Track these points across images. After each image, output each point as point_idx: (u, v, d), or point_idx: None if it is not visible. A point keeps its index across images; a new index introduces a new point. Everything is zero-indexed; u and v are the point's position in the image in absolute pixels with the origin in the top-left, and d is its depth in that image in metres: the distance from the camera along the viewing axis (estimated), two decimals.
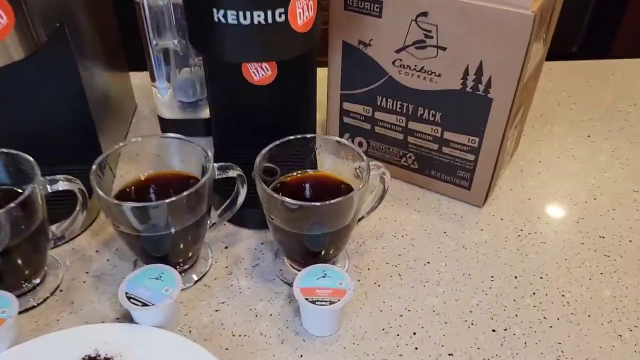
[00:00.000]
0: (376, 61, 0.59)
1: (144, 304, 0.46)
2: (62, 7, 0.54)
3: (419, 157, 0.63)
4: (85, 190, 0.51)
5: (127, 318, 0.50)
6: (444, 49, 0.54)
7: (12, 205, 0.44)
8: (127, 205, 0.46)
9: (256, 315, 0.51)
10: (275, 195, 0.46)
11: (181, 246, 0.51)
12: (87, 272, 0.54)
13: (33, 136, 0.57)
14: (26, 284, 0.51)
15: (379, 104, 0.62)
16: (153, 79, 0.72)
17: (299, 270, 0.53)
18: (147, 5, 0.61)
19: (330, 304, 0.46)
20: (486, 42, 0.52)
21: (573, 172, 0.69)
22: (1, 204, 0.44)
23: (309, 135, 0.54)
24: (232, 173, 0.52)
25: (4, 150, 0.49)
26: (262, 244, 0.58)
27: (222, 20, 0.45)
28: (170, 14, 0.61)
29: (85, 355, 0.45)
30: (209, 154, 0.50)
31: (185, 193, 0.46)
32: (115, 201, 0.46)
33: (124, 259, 0.56)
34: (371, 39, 0.58)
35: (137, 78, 0.81)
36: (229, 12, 0.44)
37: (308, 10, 0.47)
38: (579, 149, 0.73)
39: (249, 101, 0.63)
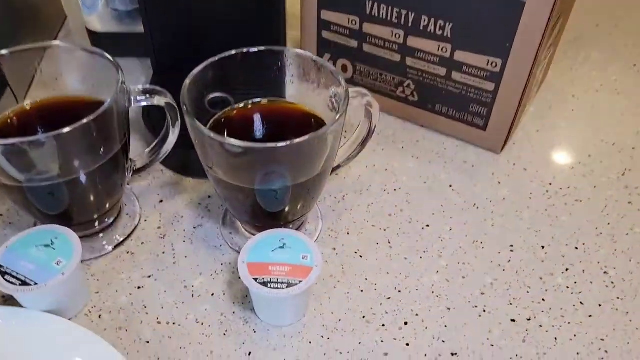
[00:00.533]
0: None
1: (24, 283, 0.32)
2: None
3: (420, 85, 0.48)
4: None
5: (13, 298, 0.36)
6: None
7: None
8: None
9: (192, 295, 0.37)
10: (211, 134, 0.31)
11: (88, 199, 0.37)
12: None
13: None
14: None
15: (368, 11, 0.46)
16: None
17: (252, 234, 0.40)
18: None
19: (287, 286, 0.33)
20: None
21: (616, 110, 0.54)
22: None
23: (274, 48, 0.39)
24: (158, 101, 0.37)
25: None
26: (209, 197, 0.44)
27: None
28: None
29: None
30: (120, 68, 0.35)
31: (79, 123, 0.31)
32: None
33: (18, 217, 0.42)
34: None
35: None
36: None
37: None
38: (623, 81, 0.57)
39: (199, 11, 0.47)
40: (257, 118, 0.39)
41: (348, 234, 0.42)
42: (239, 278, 0.37)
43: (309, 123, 0.38)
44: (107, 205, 0.39)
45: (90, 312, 0.36)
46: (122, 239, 0.40)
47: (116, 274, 0.39)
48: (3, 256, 0.33)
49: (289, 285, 0.33)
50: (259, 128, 0.39)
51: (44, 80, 0.39)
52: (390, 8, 0.45)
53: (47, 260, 0.33)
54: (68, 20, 0.63)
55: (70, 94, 0.39)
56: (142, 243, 0.41)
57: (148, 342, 0.35)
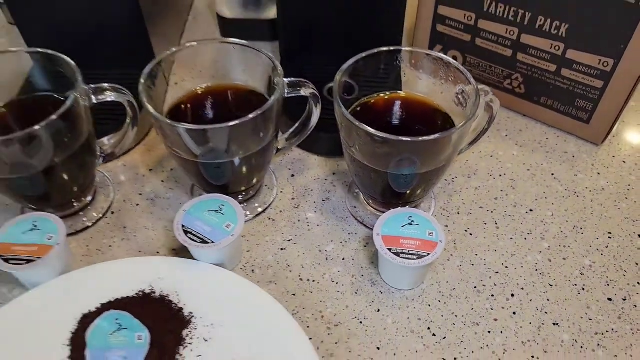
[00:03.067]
0: None
1: (203, 241, 0.40)
2: None
3: (528, 79, 0.52)
4: (135, 103, 0.44)
5: (185, 250, 0.44)
6: None
7: (53, 117, 0.38)
8: (183, 127, 0.38)
9: (327, 258, 0.44)
10: (359, 124, 0.37)
11: (244, 174, 0.44)
12: (141, 194, 0.49)
13: (76, 36, 0.50)
14: (76, 203, 0.47)
15: (485, 9, 0.50)
16: None
17: (376, 209, 0.46)
18: None
19: (418, 258, 0.39)
20: None
21: None
22: (41, 113, 0.38)
23: (405, 48, 0.44)
24: (304, 92, 0.43)
25: (40, 50, 0.42)
26: (333, 174, 0.51)
27: None
28: None
29: (140, 291, 0.40)
30: (279, 67, 0.41)
31: (251, 116, 0.38)
32: (169, 121, 0.38)
33: (180, 182, 0.50)
34: None
35: None
36: None
37: None
38: None
39: (327, 3, 0.52)
40: (393, 109, 0.44)
41: (458, 213, 0.47)
42: (365, 246, 0.43)
43: (437, 117, 0.43)
44: (256, 180, 0.46)
45: (244, 266, 0.44)
46: (265, 207, 0.48)
47: (262, 236, 0.46)
48: (184, 218, 0.41)
49: (419, 257, 0.39)
50: (395, 118, 0.44)
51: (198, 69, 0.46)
52: (507, 7, 0.48)
53: (219, 224, 0.41)
54: (195, 4, 0.70)
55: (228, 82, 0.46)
56: (281, 211, 0.48)
57: (294, 295, 0.42)
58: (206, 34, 0.66)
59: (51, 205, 0.45)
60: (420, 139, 0.36)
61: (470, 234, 0.46)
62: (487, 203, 0.48)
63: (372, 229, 0.41)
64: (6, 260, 0.39)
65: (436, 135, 0.37)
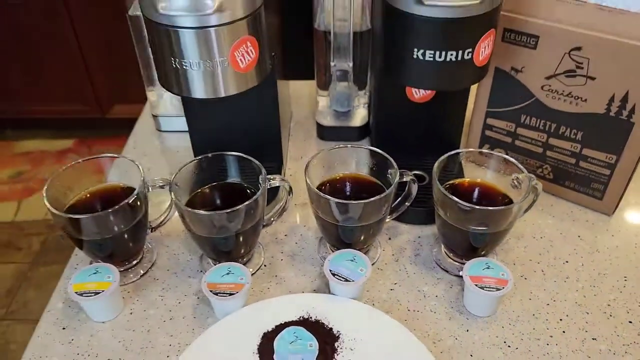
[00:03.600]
0: (525, 85, 0.68)
1: (346, 280, 0.58)
2: (275, 40, 0.67)
3: (555, 169, 0.72)
4: (291, 186, 0.64)
5: (321, 290, 0.62)
6: (593, 78, 0.63)
7: (250, 201, 0.57)
8: (334, 200, 0.58)
9: (424, 296, 0.62)
10: (452, 197, 0.57)
11: (367, 236, 0.63)
12: (282, 252, 0.68)
13: (237, 142, 0.71)
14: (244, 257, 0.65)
15: (522, 121, 0.71)
16: (321, 89, 0.84)
17: (456, 261, 0.64)
18: (334, 33, 0.73)
19: (496, 290, 0.56)
20: (636, 76, 0.60)
21: None
22: (233, 198, 0.58)
23: (482, 150, 0.65)
24: (405, 178, 0.63)
25: (233, 153, 0.63)
26: (419, 237, 0.69)
27: (420, 57, 0.56)
28: (351, 42, 0.73)
29: (300, 316, 0.58)
30: (394, 164, 0.61)
31: (379, 196, 0.58)
32: (325, 195, 0.58)
33: (308, 242, 0.69)
34: (523, 67, 0.68)
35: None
36: (427, 52, 0.55)
37: (487, 49, 0.57)
38: None
39: (407, 115, 0.74)
40: (472, 189, 0.64)
41: (514, 264, 0.65)
42: (450, 287, 0.61)
43: (498, 196, 0.63)
44: (371, 240, 0.65)
45: (366, 301, 0.61)
46: (374, 261, 0.66)
47: (375, 281, 0.64)
48: (330, 264, 0.59)
49: (497, 289, 0.56)
50: (473, 196, 0.64)
51: None
52: (538, 120, 0.70)
53: (354, 268, 0.59)
54: (294, 115, 0.93)
55: None
56: (385, 264, 0.66)
57: (406, 321, 0.59)
58: (305, 136, 0.87)
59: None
60: (497, 208, 0.56)
61: (525, 278, 0.64)
62: (534, 257, 0.66)
63: (454, 275, 0.60)
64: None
65: (506, 207, 0.56)
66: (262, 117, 0.70)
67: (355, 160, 0.67)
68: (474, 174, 0.66)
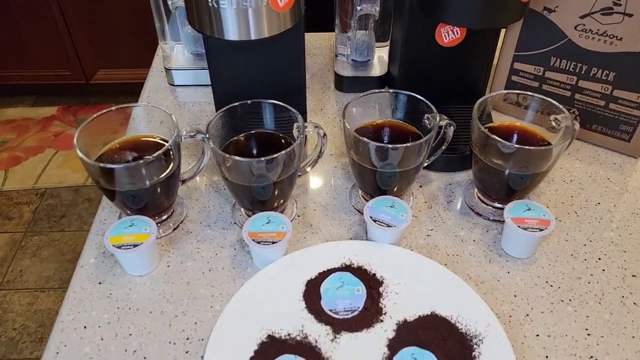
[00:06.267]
0: (558, 25, 0.67)
1: (388, 225, 0.57)
2: None
3: (583, 112, 0.72)
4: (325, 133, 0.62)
5: (359, 238, 0.62)
6: (630, 15, 0.62)
7: (290, 149, 0.56)
8: (373, 144, 0.57)
9: (462, 240, 0.62)
10: (498, 139, 0.56)
11: (404, 182, 0.62)
12: (314, 202, 0.66)
13: (261, 91, 0.69)
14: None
15: (551, 64, 0.70)
16: (341, 37, 0.82)
17: (491, 205, 0.64)
18: None
19: (539, 231, 0.56)
20: None
21: None
22: (267, 146, 0.56)
23: (523, 92, 0.64)
24: (442, 122, 0.62)
25: (270, 101, 0.60)
26: (449, 184, 0.69)
27: None
28: None
29: (343, 263, 0.57)
30: (434, 109, 0.60)
31: (421, 140, 0.57)
32: (365, 139, 0.56)
33: (338, 192, 0.68)
34: (557, 6, 0.66)
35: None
36: None
37: None
38: None
39: (435, 61, 0.72)
40: (512, 133, 0.63)
41: (547, 207, 0.65)
42: (486, 231, 0.61)
43: (538, 139, 0.62)
44: (408, 186, 0.64)
45: (405, 246, 0.61)
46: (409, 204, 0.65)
47: (411, 227, 0.63)
48: (370, 210, 0.59)
49: (540, 230, 0.56)
50: (511, 138, 0.63)
51: None
52: (569, 62, 0.69)
53: (395, 214, 0.58)
54: (309, 66, 0.90)
55: None
56: (419, 210, 0.65)
57: (446, 265, 0.59)
58: (323, 88, 0.85)
59: None
60: (540, 148, 0.55)
61: (560, 220, 0.64)
62: (566, 200, 0.66)
63: (488, 219, 0.60)
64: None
65: (548, 147, 0.56)
66: (288, 65, 0.68)
67: (390, 106, 0.65)
68: (501, 119, 0.66)
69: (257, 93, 0.64)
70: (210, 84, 0.71)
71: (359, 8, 0.73)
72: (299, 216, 0.65)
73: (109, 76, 2.20)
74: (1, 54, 2.11)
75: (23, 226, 1.79)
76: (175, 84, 0.84)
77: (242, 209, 0.64)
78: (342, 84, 0.84)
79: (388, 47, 0.81)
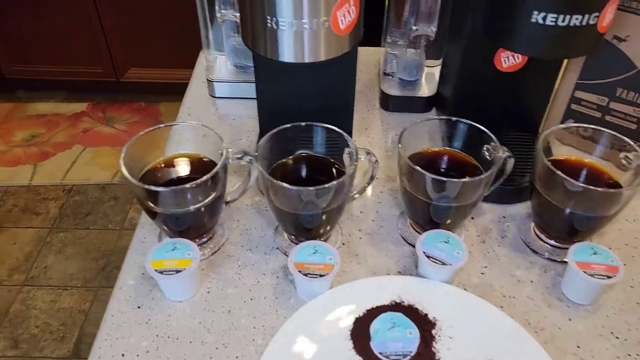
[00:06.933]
0: (627, 55, 0.63)
1: (443, 263, 0.54)
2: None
3: None
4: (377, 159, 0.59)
5: (407, 272, 0.58)
6: None
7: (344, 177, 0.53)
8: (430, 176, 0.53)
9: (518, 281, 0.58)
10: (564, 176, 0.52)
11: (459, 217, 0.59)
12: (359, 230, 0.63)
13: (307, 111, 0.66)
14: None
15: (617, 94, 0.66)
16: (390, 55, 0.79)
17: (549, 244, 0.60)
18: None
19: (607, 278, 0.53)
20: None
21: None
22: (318, 170, 0.54)
23: (594, 127, 0.60)
24: (502, 153, 0.58)
25: (323, 125, 0.57)
26: (503, 217, 0.65)
27: (540, 21, 0.50)
28: (439, 4, 0.67)
29: (392, 300, 0.54)
30: (495, 139, 0.57)
31: (481, 176, 0.53)
32: (421, 170, 0.53)
33: (385, 220, 0.64)
34: (628, 35, 0.62)
35: None
36: (550, 15, 0.50)
37: (611, 13, 0.52)
38: None
39: (491, 86, 0.69)
40: (581, 169, 0.59)
41: (610, 248, 0.61)
42: (545, 272, 0.57)
43: (606, 177, 0.58)
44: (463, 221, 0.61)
45: (457, 284, 0.58)
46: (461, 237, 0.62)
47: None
48: (423, 245, 0.55)
49: (608, 277, 0.52)
50: (581, 177, 0.59)
51: None
52: (636, 94, 0.65)
53: (450, 251, 0.55)
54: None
55: None
56: (472, 245, 0.62)
57: (502, 307, 0.55)
58: (368, 106, 0.82)
59: None
60: (614, 190, 0.52)
61: (624, 264, 0.60)
62: (630, 241, 0.62)
63: (546, 258, 0.57)
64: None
65: (624, 189, 0.52)
66: (339, 86, 0.65)
67: (445, 133, 0.62)
68: (560, 149, 0.62)
69: (303, 112, 0.61)
70: (251, 97, 0.68)
71: (414, 28, 0.70)
72: (343, 244, 0.62)
73: (140, 75, 2.20)
74: (34, 50, 2.13)
75: (49, 222, 1.80)
76: (217, 95, 0.82)
77: (285, 234, 0.61)
78: (388, 103, 0.80)
79: (439, 67, 0.78)
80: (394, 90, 0.80)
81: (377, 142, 0.76)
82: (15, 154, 2.04)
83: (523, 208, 0.66)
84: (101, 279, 1.62)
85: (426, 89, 0.80)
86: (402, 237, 0.62)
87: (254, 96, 0.67)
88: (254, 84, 0.65)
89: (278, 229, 0.63)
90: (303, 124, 0.56)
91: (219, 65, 0.82)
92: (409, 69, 0.78)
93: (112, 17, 2.02)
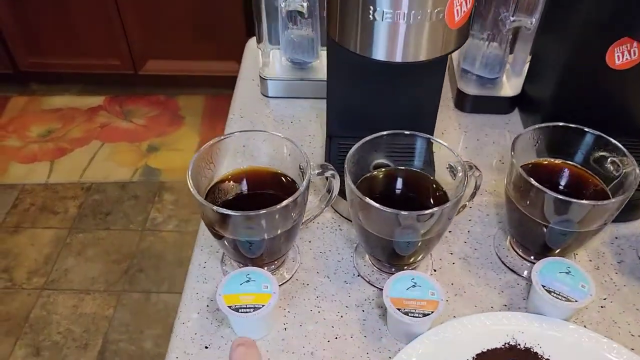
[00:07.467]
0: None
1: (567, 299, 0.46)
2: None
3: None
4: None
5: (514, 305, 0.50)
6: None
7: (449, 203, 0.44)
8: (551, 195, 0.45)
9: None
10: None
11: (578, 243, 0.50)
12: (451, 254, 0.55)
13: (384, 116, 0.57)
14: None
15: None
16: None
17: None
18: None
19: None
20: None
21: None
22: (414, 187, 0.45)
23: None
24: (627, 168, 0.50)
25: (424, 135, 0.49)
26: (616, 238, 0.56)
27: None
28: None
29: (506, 343, 0.46)
30: (628, 154, 0.48)
31: (615, 199, 0.44)
32: (541, 187, 0.45)
33: (479, 241, 0.56)
34: None
35: None
36: None
37: None
38: None
39: (599, 85, 0.60)
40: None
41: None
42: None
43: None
44: None
45: (575, 321, 0.49)
46: None
47: None
48: (540, 276, 0.47)
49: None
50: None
51: None
52: None
53: (573, 284, 0.46)
54: None
55: None
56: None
57: (633, 350, 0.47)
58: (441, 104, 0.73)
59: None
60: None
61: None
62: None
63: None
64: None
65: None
66: (426, 89, 0.56)
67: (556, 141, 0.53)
68: None
69: (379, 116, 0.53)
70: (307, 97, 0.59)
71: (512, 19, 0.61)
72: (435, 270, 0.53)
73: (159, 67, 2.11)
74: (50, 42, 2.04)
75: (68, 222, 1.72)
76: (270, 95, 0.73)
77: (367, 256, 0.53)
78: (465, 103, 0.71)
79: (528, 64, 0.68)
80: (472, 89, 0.71)
81: (455, 147, 0.67)
82: (31, 150, 1.96)
83: (638, 227, 0.57)
84: (124, 282, 1.54)
85: (508, 88, 0.71)
86: (503, 263, 0.54)
87: (311, 95, 0.58)
88: (312, 82, 0.56)
89: (357, 249, 0.54)
90: (407, 132, 0.47)
91: (273, 61, 0.73)
92: (491, 65, 0.69)
93: (130, 6, 1.93)
